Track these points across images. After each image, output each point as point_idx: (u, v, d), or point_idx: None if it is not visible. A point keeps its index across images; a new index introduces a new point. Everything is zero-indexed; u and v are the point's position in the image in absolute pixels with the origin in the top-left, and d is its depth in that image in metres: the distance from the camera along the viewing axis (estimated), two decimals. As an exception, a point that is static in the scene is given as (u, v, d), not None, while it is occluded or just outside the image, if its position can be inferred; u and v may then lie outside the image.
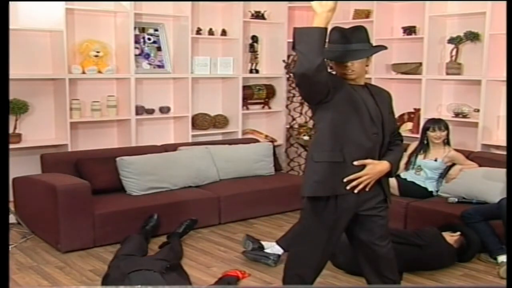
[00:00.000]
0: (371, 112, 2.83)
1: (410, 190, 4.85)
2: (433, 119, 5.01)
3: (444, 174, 4.89)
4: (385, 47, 3.06)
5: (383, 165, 2.88)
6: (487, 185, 4.53)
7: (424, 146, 4.93)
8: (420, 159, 4.90)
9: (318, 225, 2.88)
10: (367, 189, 2.85)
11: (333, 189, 2.81)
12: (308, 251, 2.94)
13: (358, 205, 2.88)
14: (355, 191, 2.82)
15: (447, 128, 4.89)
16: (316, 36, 2.56)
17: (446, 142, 4.90)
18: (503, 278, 3.89)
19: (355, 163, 2.81)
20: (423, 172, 4.88)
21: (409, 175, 4.92)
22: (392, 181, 4.78)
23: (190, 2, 5.68)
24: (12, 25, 4.56)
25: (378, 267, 2.99)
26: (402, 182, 4.87)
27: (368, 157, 2.84)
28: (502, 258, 4.04)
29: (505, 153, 4.81)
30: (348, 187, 2.81)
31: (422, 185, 4.88)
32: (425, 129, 4.93)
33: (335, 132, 2.80)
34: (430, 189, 4.89)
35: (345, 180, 2.80)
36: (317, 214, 2.87)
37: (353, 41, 2.82)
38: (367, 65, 2.96)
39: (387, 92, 3.09)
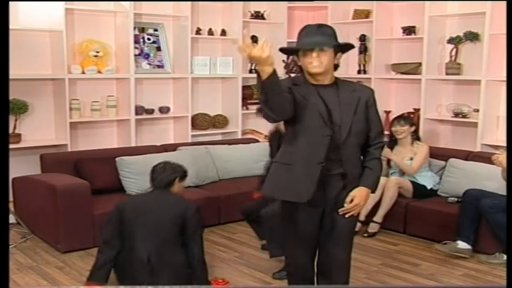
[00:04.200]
0: (322, 114, 2.73)
1: (418, 191, 4.91)
2: (398, 116, 5.19)
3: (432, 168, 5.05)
4: (352, 46, 2.91)
5: (362, 192, 2.82)
6: (485, 184, 4.52)
7: (391, 143, 5.02)
8: (397, 162, 4.97)
9: (289, 225, 2.92)
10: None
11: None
12: (292, 250, 2.97)
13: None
14: (347, 216, 2.83)
15: (411, 124, 5.01)
16: (271, 85, 2.50)
17: (415, 138, 5.02)
18: None
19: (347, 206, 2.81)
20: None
21: (406, 176, 4.96)
22: (407, 184, 4.83)
23: (190, 2, 5.68)
24: (12, 25, 4.56)
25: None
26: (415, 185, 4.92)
27: (326, 157, 2.73)
28: None
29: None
30: (340, 213, 2.82)
31: (420, 183, 4.92)
32: (390, 126, 5.11)
33: (292, 136, 2.81)
34: (428, 186, 4.92)
35: (340, 212, 2.81)
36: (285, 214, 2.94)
37: (319, 33, 2.73)
38: (335, 63, 2.80)
39: (366, 91, 2.88)
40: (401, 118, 5.10)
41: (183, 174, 3.73)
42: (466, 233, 4.29)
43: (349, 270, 2.98)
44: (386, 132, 5.32)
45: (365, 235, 4.76)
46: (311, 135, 2.74)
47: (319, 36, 2.73)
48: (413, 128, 5.00)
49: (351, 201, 2.80)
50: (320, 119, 2.72)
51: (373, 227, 4.80)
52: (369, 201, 4.67)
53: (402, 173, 4.98)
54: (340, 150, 2.76)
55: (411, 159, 4.92)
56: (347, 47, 2.87)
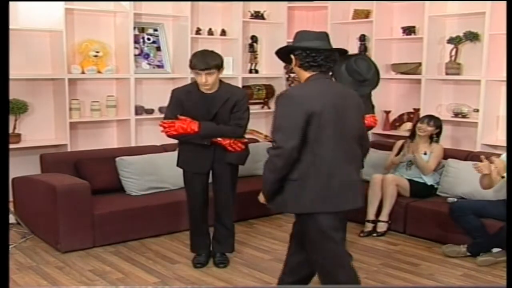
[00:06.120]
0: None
1: (415, 189, 4.90)
2: (429, 115, 5.12)
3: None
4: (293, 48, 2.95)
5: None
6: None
7: (411, 135, 5.07)
8: (410, 154, 4.97)
9: None
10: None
11: None
12: None
13: None
14: None
15: (438, 126, 4.99)
16: None
17: (436, 140, 5.01)
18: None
19: None
20: (414, 167, 4.96)
21: (406, 175, 4.95)
22: (404, 182, 4.84)
23: (189, 2, 5.68)
24: (12, 25, 4.55)
25: None
26: (412, 183, 4.92)
27: None
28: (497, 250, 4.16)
29: (504, 153, 4.82)
30: None
31: (421, 181, 4.92)
32: (418, 120, 5.11)
33: None
34: (429, 183, 4.93)
35: None
36: None
37: None
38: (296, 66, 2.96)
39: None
40: (432, 119, 5.02)
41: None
42: (486, 239, 4.22)
43: None
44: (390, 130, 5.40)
45: (374, 235, 4.78)
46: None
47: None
48: (437, 130, 5.00)
49: None
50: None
51: (381, 227, 4.82)
52: (374, 200, 4.80)
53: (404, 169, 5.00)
54: None
55: (425, 153, 4.93)
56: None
